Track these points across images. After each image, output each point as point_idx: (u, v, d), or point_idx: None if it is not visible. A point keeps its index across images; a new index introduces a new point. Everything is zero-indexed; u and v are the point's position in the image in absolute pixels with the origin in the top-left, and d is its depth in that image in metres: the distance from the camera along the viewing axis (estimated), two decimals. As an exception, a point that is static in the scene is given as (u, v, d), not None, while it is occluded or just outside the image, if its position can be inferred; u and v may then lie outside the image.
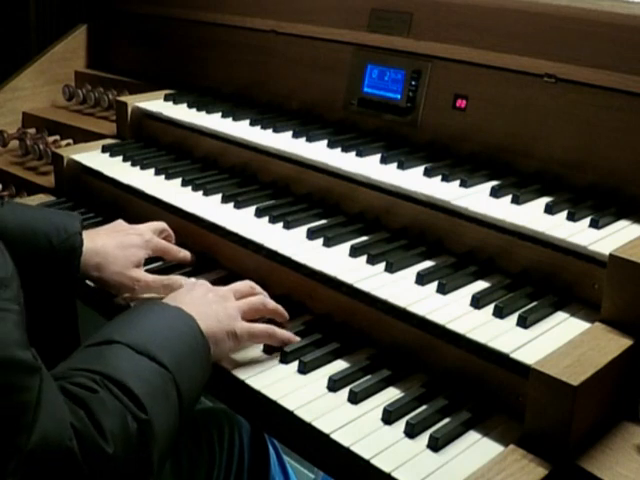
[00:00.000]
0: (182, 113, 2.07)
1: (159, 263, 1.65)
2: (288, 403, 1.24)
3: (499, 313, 1.28)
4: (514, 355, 1.19)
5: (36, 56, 2.68)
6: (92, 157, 2.02)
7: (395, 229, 1.58)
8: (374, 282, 1.39)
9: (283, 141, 1.83)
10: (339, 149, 1.76)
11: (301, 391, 1.27)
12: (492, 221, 1.45)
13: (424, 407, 1.22)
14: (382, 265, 1.44)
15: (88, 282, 1.56)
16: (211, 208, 1.70)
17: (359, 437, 1.16)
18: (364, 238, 1.55)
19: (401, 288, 1.37)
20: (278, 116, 2.01)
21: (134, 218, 1.68)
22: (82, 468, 0.98)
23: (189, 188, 1.80)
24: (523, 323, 1.26)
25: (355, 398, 1.24)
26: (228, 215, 1.67)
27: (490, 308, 1.30)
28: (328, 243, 1.52)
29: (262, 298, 1.41)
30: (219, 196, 1.74)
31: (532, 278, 1.39)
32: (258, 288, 1.45)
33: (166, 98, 2.18)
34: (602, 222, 1.39)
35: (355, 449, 1.14)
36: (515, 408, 1.20)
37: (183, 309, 1.26)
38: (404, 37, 1.86)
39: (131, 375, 1.09)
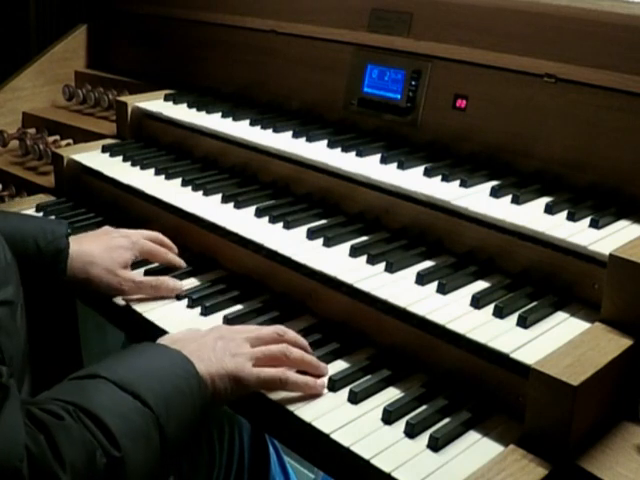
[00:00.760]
0: (182, 113, 2.07)
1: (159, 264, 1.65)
2: (288, 403, 1.24)
3: (499, 313, 1.28)
4: (514, 355, 1.19)
5: (36, 56, 2.68)
6: (92, 157, 2.02)
7: (395, 229, 1.58)
8: (374, 282, 1.39)
9: (283, 141, 1.83)
10: (339, 149, 1.76)
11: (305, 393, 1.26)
12: (492, 221, 1.45)
13: (424, 407, 1.22)
14: (382, 265, 1.44)
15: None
16: (211, 208, 1.70)
17: (359, 437, 1.16)
18: (364, 238, 1.55)
19: (401, 288, 1.37)
20: (278, 116, 2.02)
21: (134, 218, 1.69)
22: None
23: (189, 188, 1.80)
24: (523, 323, 1.26)
25: (355, 398, 1.24)
26: (228, 215, 1.66)
27: (490, 308, 1.30)
28: (328, 243, 1.52)
29: (285, 347, 1.29)
30: (219, 196, 1.74)
31: (532, 278, 1.39)
32: (289, 334, 1.32)
33: (166, 98, 2.18)
34: (602, 222, 1.39)
35: (355, 449, 1.14)
36: (515, 408, 1.20)
37: (182, 352, 1.20)
38: (404, 37, 1.86)
39: (108, 410, 1.05)
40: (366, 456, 1.12)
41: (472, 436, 1.18)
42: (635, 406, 1.20)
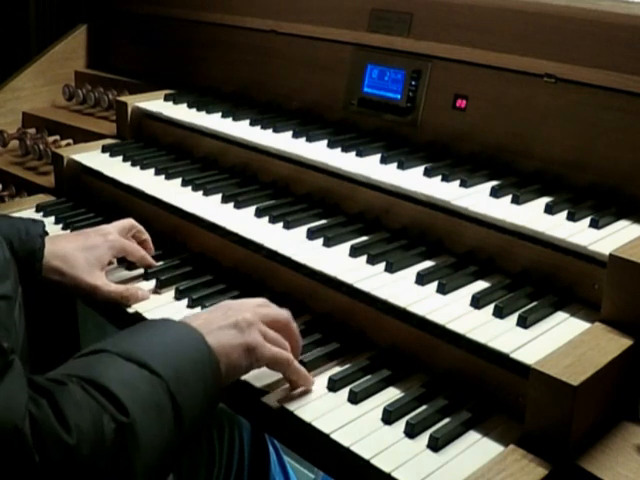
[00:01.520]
0: (182, 113, 2.07)
1: (160, 263, 1.65)
2: (288, 403, 1.24)
3: (499, 313, 1.28)
4: (514, 355, 1.19)
5: (36, 56, 2.68)
6: (92, 157, 2.02)
7: (395, 229, 1.59)
8: (374, 282, 1.39)
9: (283, 141, 1.83)
10: (339, 149, 1.76)
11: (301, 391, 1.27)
12: (492, 221, 1.45)
13: (424, 407, 1.22)
14: (382, 265, 1.44)
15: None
16: (211, 208, 1.70)
17: (359, 437, 1.16)
18: (364, 238, 1.55)
19: (401, 288, 1.37)
20: (278, 116, 2.01)
21: (134, 218, 1.68)
22: (32, 453, 0.92)
23: (189, 188, 1.80)
24: (523, 323, 1.26)
25: (355, 398, 1.24)
26: (228, 215, 1.67)
27: (490, 308, 1.30)
28: (328, 243, 1.52)
29: (287, 316, 1.30)
30: (219, 196, 1.74)
31: (532, 278, 1.39)
32: (294, 324, 1.31)
33: (166, 98, 2.18)
34: (602, 222, 1.39)
35: (355, 449, 1.14)
36: (515, 408, 1.20)
37: (189, 324, 1.18)
38: (404, 37, 1.86)
39: (114, 379, 1.02)
40: (366, 456, 1.12)
41: (472, 436, 1.18)
42: (635, 406, 1.20)
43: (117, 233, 1.59)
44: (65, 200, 1.99)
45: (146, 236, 1.66)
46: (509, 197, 1.50)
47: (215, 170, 1.91)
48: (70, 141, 2.36)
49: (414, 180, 1.59)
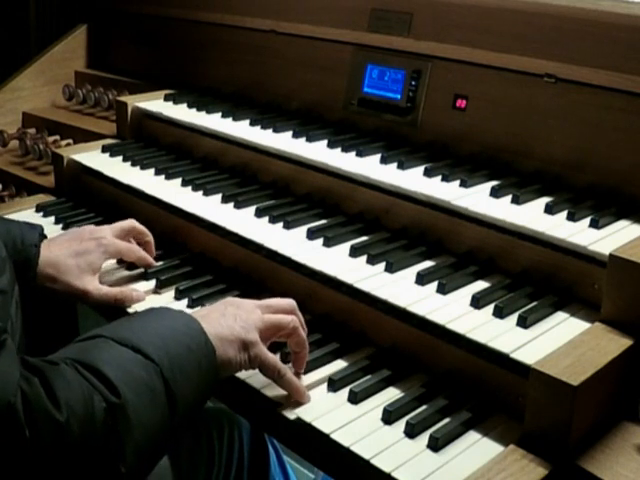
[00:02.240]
0: (182, 113, 2.07)
1: (160, 263, 1.65)
2: (288, 404, 1.24)
3: (499, 313, 1.28)
4: (514, 355, 1.19)
5: (36, 56, 2.68)
6: (92, 157, 2.02)
7: (395, 229, 1.59)
8: (374, 282, 1.39)
9: (283, 141, 1.83)
10: (339, 149, 1.76)
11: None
12: (492, 221, 1.45)
13: (424, 407, 1.22)
14: (382, 265, 1.44)
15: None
16: (211, 208, 1.70)
17: (359, 437, 1.16)
18: (364, 238, 1.55)
19: (401, 288, 1.37)
20: (278, 116, 2.01)
21: (134, 218, 1.68)
22: (23, 428, 0.94)
23: (189, 188, 1.80)
24: (523, 323, 1.26)
25: (355, 398, 1.24)
26: (228, 215, 1.66)
27: (490, 308, 1.30)
28: (328, 243, 1.52)
29: (295, 320, 1.28)
30: (219, 196, 1.74)
31: (532, 278, 1.39)
32: (299, 312, 1.32)
33: (166, 98, 2.18)
34: (602, 222, 1.39)
35: (355, 449, 1.14)
36: (515, 408, 1.20)
37: (187, 313, 1.20)
38: (404, 37, 1.86)
39: (107, 362, 1.04)
40: (366, 456, 1.12)
41: (472, 436, 1.18)
42: (635, 406, 1.20)
43: (113, 236, 1.58)
44: (65, 200, 1.99)
45: (149, 238, 1.65)
46: (509, 197, 1.50)
47: (215, 170, 1.91)
48: (70, 141, 2.36)
49: (414, 180, 1.59)
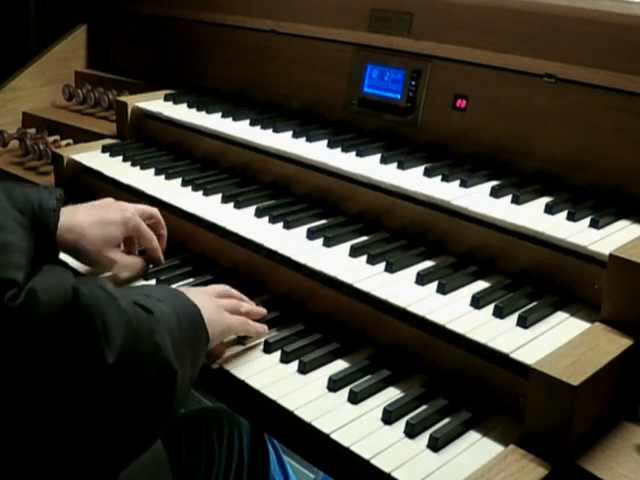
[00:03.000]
0: (182, 113, 2.07)
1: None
2: (288, 403, 1.24)
3: (499, 313, 1.28)
4: (514, 355, 1.19)
5: (36, 56, 2.68)
6: (92, 157, 2.02)
7: (395, 229, 1.58)
8: (374, 282, 1.39)
9: (283, 141, 1.83)
10: (339, 149, 1.76)
11: (301, 391, 1.27)
12: (492, 221, 1.45)
13: (424, 407, 1.23)
14: (382, 265, 1.44)
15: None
16: (211, 208, 1.70)
17: (359, 437, 1.16)
18: (364, 238, 1.55)
19: (401, 288, 1.37)
20: (278, 116, 2.01)
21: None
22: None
23: (189, 188, 1.80)
24: (523, 323, 1.26)
25: (355, 398, 1.24)
26: (228, 215, 1.66)
27: (490, 308, 1.30)
28: (328, 243, 1.52)
29: (237, 303, 1.41)
30: (219, 196, 1.74)
31: (532, 278, 1.39)
32: (233, 291, 1.45)
33: (166, 98, 2.18)
34: (602, 222, 1.39)
35: (355, 449, 1.14)
36: (515, 408, 1.20)
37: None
38: (404, 37, 1.86)
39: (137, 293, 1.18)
40: (366, 456, 1.12)
41: (472, 436, 1.18)
42: (635, 406, 1.20)
43: (135, 212, 1.59)
44: (65, 200, 1.99)
45: (164, 232, 1.66)
46: (509, 197, 1.50)
47: (215, 170, 1.91)
48: (70, 141, 2.36)
49: (414, 180, 1.59)
